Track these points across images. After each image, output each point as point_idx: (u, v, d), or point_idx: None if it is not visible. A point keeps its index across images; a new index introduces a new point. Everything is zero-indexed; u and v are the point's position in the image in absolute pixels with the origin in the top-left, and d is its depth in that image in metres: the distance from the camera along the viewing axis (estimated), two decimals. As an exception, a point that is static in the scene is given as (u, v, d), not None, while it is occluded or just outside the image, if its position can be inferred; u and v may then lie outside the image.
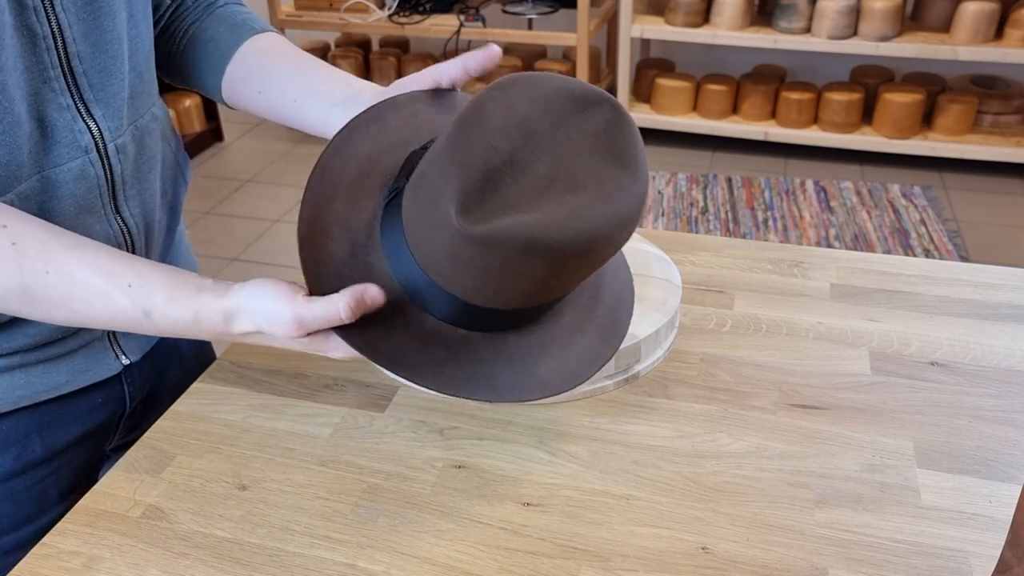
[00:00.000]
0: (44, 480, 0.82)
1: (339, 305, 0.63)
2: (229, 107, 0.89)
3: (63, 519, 0.72)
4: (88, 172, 0.73)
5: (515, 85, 0.63)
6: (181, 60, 0.89)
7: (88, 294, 0.64)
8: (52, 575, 0.67)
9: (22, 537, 0.81)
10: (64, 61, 0.70)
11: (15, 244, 0.63)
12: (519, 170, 0.61)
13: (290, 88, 0.83)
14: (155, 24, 0.87)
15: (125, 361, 0.84)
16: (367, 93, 0.80)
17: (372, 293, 0.64)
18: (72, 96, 0.71)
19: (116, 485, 0.75)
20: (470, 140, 0.60)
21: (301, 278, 0.98)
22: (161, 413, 0.84)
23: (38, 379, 0.77)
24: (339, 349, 0.67)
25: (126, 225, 0.78)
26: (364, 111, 0.75)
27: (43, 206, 0.70)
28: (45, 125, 0.70)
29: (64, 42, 0.69)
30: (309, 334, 0.65)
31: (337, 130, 0.77)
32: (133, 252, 0.80)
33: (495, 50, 0.73)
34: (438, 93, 0.77)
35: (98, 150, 0.73)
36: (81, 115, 0.72)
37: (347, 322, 0.64)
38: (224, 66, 0.86)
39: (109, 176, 0.75)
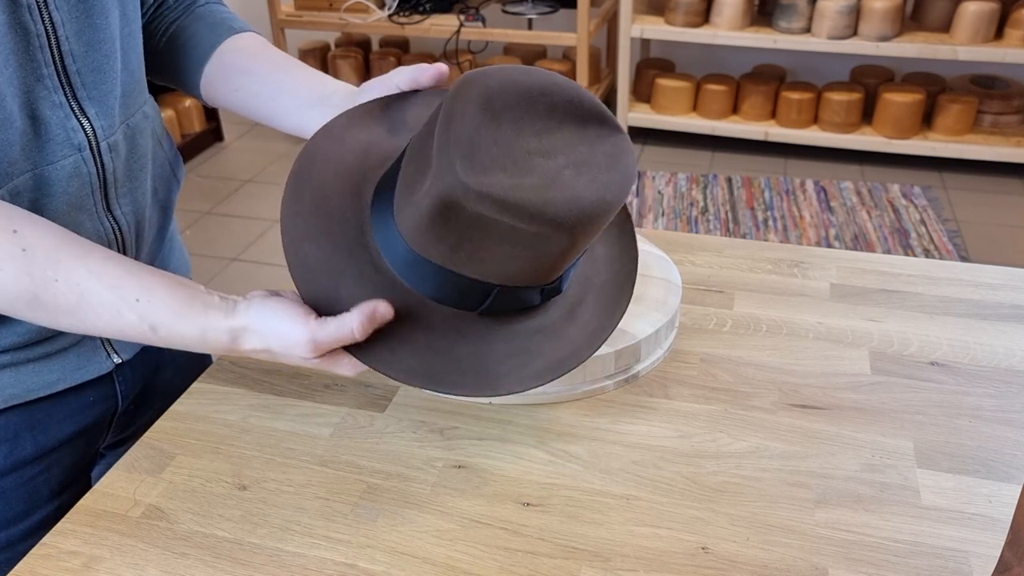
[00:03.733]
0: (35, 478, 0.81)
1: (352, 325, 0.65)
2: (207, 104, 0.91)
3: (63, 519, 0.71)
4: (81, 170, 0.73)
5: (488, 73, 0.65)
6: (160, 58, 0.89)
7: (96, 305, 0.65)
8: (52, 575, 0.67)
9: (12, 535, 0.81)
10: (57, 59, 0.70)
11: (25, 251, 0.63)
12: (505, 143, 0.63)
13: (266, 87, 0.85)
14: None
15: (117, 360, 0.84)
16: (340, 93, 0.83)
17: (382, 310, 0.66)
18: (65, 94, 0.71)
19: (116, 485, 0.75)
20: (455, 116, 0.62)
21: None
22: (154, 412, 0.84)
23: (29, 377, 0.77)
24: (349, 366, 0.69)
25: (117, 224, 0.78)
26: (339, 117, 0.77)
27: (35, 203, 0.70)
28: (38, 122, 0.70)
29: (57, 40, 0.69)
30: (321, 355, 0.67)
31: (312, 129, 0.81)
32: (123, 251, 0.80)
33: (444, 70, 0.77)
34: (405, 96, 0.79)
35: (91, 148, 0.74)
36: (74, 113, 0.72)
37: (359, 340, 0.66)
38: (203, 64, 0.87)
39: (101, 174, 0.75)
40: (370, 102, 0.78)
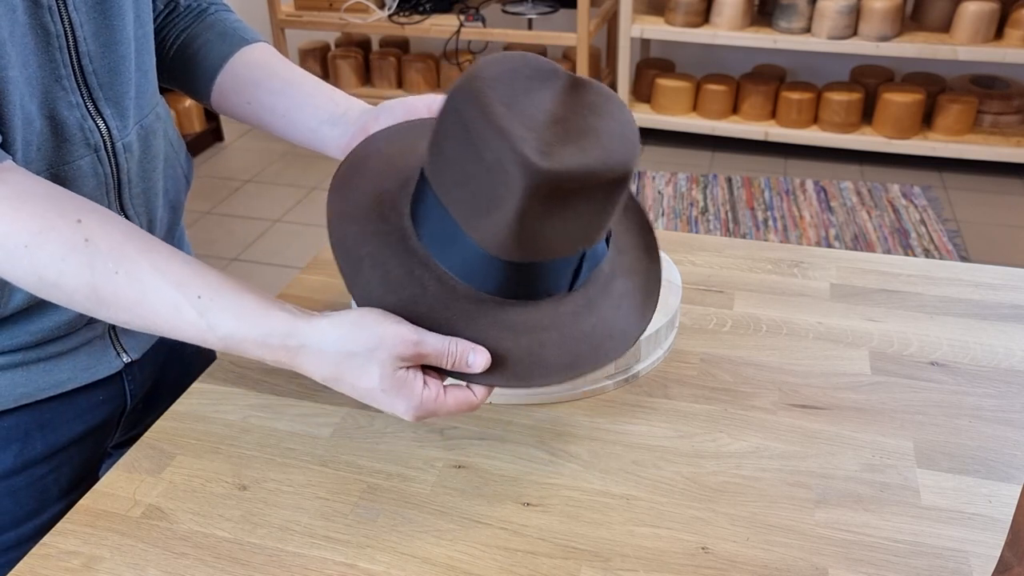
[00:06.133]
0: (45, 477, 0.82)
1: (452, 344, 0.64)
2: (216, 113, 0.91)
3: (63, 519, 0.71)
4: (96, 170, 0.74)
5: (476, 71, 0.66)
6: (171, 65, 0.90)
7: (156, 301, 0.62)
8: (52, 575, 0.67)
9: (23, 534, 0.81)
10: (75, 60, 0.70)
11: (88, 241, 0.61)
12: (538, 118, 0.63)
13: (279, 103, 0.86)
14: None
15: (126, 359, 0.84)
16: (354, 111, 0.84)
17: (482, 360, 0.64)
18: (82, 95, 0.72)
19: (116, 485, 0.75)
20: (488, 113, 0.62)
21: (302, 277, 0.98)
22: (162, 411, 0.84)
23: (39, 377, 0.77)
24: (475, 396, 0.66)
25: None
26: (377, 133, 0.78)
27: None
28: (56, 123, 0.70)
29: (75, 41, 0.70)
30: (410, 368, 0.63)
31: (326, 147, 0.83)
32: None
33: None
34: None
35: (106, 148, 0.74)
36: (90, 113, 0.72)
37: (445, 365, 0.64)
38: (215, 75, 0.88)
39: (116, 174, 0.76)
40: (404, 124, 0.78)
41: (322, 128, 0.84)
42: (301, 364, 0.64)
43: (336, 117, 0.84)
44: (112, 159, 0.75)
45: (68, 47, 0.69)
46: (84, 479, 0.86)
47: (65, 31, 0.69)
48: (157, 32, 0.89)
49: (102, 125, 0.73)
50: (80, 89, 0.71)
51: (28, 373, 0.77)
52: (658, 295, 0.75)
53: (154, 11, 0.88)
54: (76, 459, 0.84)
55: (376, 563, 0.67)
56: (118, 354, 0.83)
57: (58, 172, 0.71)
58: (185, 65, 0.89)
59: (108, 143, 0.74)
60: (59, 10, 0.68)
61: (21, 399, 0.77)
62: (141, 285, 0.62)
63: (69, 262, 0.61)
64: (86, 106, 0.72)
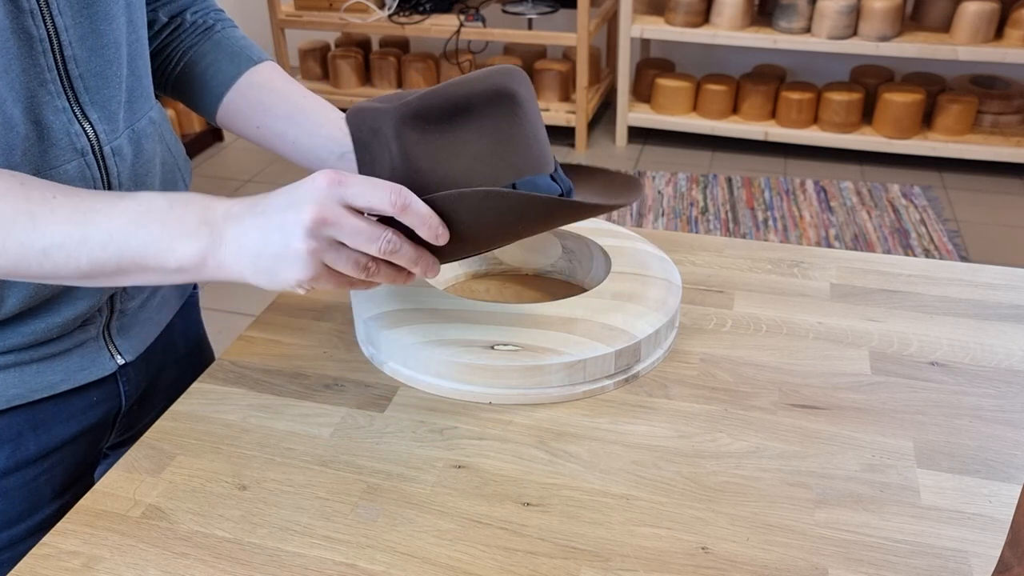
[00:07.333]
0: (38, 478, 0.81)
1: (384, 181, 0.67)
2: (221, 129, 0.94)
3: (63, 519, 0.71)
4: (85, 174, 0.73)
5: None
6: (176, 81, 0.90)
7: (94, 201, 0.66)
8: (52, 575, 0.67)
9: (15, 535, 0.81)
10: (60, 64, 0.70)
11: (24, 184, 0.65)
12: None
13: (289, 129, 0.88)
14: (150, 41, 0.88)
15: (120, 361, 0.84)
16: None
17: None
18: (68, 99, 0.71)
19: (116, 485, 0.75)
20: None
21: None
22: (157, 412, 0.84)
23: (32, 378, 0.77)
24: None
25: None
26: None
27: None
28: (42, 127, 0.70)
29: (60, 45, 0.69)
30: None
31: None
32: None
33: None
34: None
35: (94, 152, 0.74)
36: (77, 118, 0.72)
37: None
38: (222, 95, 0.88)
39: (106, 179, 0.75)
40: None
41: (331, 160, 0.87)
42: (231, 213, 0.68)
43: (346, 150, 0.86)
44: (101, 164, 0.75)
45: (53, 51, 0.69)
46: (78, 480, 0.86)
47: (49, 35, 0.68)
48: (163, 47, 0.90)
49: (89, 129, 0.73)
50: (66, 93, 0.71)
51: (21, 374, 0.77)
52: (636, 193, 0.81)
53: (157, 24, 0.88)
54: (69, 460, 0.84)
55: (376, 563, 0.67)
56: (112, 356, 0.83)
57: (46, 177, 0.71)
58: (191, 83, 0.89)
59: (96, 148, 0.74)
60: (42, 14, 0.68)
61: (14, 400, 0.77)
62: (78, 196, 0.66)
63: (6, 199, 0.64)
64: (72, 110, 0.72)
